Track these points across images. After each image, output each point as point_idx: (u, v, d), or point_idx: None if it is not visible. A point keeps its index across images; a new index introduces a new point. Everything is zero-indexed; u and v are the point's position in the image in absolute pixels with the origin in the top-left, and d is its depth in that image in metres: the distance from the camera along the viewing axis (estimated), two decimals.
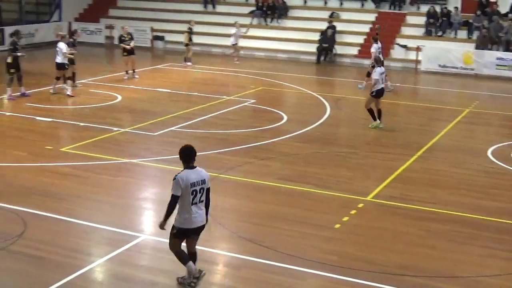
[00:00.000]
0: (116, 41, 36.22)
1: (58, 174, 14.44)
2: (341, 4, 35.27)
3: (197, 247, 9.77)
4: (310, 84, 26.01)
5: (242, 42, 33.61)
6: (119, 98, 22.29)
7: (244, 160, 15.68)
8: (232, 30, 31.73)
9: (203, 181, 9.28)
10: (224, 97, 22.89)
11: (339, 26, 33.06)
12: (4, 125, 18.79)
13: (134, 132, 18.03)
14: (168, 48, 35.66)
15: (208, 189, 9.40)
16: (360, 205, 13.01)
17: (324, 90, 25.08)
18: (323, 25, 32.99)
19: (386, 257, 10.83)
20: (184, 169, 9.28)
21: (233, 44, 31.83)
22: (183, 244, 9.60)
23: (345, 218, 12.32)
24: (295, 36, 33.57)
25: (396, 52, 31.91)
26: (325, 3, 35.50)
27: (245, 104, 22.05)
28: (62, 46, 22.46)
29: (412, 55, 31.18)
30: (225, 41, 34.22)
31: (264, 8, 35.58)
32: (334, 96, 23.86)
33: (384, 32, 32.79)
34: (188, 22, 31.28)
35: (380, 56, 20.86)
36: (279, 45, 33.48)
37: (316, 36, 32.43)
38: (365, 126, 19.39)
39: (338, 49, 32.51)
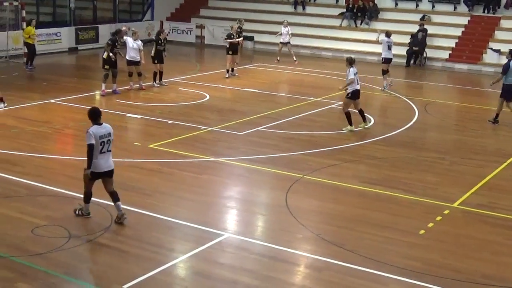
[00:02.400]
0: (206, 41, 36.87)
1: (144, 170, 14.69)
2: (433, 7, 34.63)
3: (275, 246, 10.45)
4: (399, 87, 25.65)
5: (331, 44, 33.53)
6: (207, 97, 22.52)
7: (329, 162, 15.58)
8: (283, 29, 31.75)
9: (109, 134, 11.47)
10: (311, 98, 22.82)
11: (430, 29, 32.46)
12: None
13: (220, 131, 18.17)
14: (257, 48, 35.82)
15: (111, 140, 11.50)
16: (446, 212, 12.73)
17: (413, 94, 24.68)
18: (414, 28, 32.47)
19: (471, 265, 10.56)
20: (93, 125, 11.37)
21: (286, 43, 31.83)
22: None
23: (430, 224, 12.08)
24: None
25: (489, 57, 31.11)
26: (417, 5, 34.95)
27: (332, 106, 21.92)
28: (128, 41, 22.78)
29: (505, 61, 30.24)
30: (313, 42, 34.24)
31: (355, 10, 35.30)
32: (423, 100, 23.45)
33: (476, 36, 32.17)
34: (281, 22, 31.63)
35: (352, 56, 20.01)
36: (369, 47, 33.12)
37: (407, 39, 31.97)
38: (454, 131, 18.99)
39: (429, 53, 31.96)
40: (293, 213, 12.36)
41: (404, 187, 14.00)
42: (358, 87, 18.47)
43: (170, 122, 18.82)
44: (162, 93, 23.05)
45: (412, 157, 16.41)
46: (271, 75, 28.21)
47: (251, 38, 36.04)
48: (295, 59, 31.00)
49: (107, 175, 11.58)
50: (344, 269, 10.23)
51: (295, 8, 37.60)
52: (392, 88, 24.55)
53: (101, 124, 11.47)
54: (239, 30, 27.62)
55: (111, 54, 22.11)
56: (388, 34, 24.84)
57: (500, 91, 20.14)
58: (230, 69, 26.62)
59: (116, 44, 22.34)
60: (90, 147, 11.19)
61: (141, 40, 23.11)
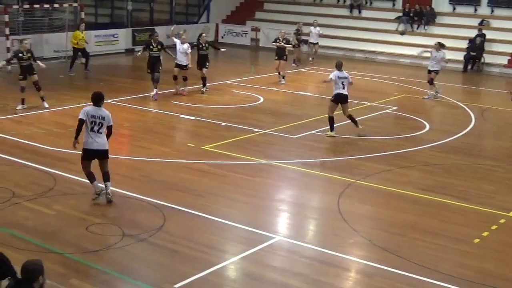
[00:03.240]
0: (261, 44, 36.94)
1: (197, 171, 14.79)
2: (492, 11, 34.07)
3: (326, 250, 10.49)
4: (455, 93, 25.33)
5: (387, 48, 33.30)
6: (261, 99, 22.56)
7: (382, 168, 15.46)
8: (314, 29, 31.69)
9: (103, 118, 12.25)
10: (366, 103, 22.68)
11: (489, 34, 31.93)
12: (151, 121, 19.46)
13: (274, 133, 18.19)
14: (317, 53, 35.68)
15: (109, 126, 12.37)
16: (502, 221, 12.50)
17: (470, 100, 24.33)
18: (472, 33, 31.99)
19: None
20: (91, 106, 12.36)
21: (315, 43, 31.65)
22: None
23: (485, 233, 11.87)
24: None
25: None
26: (475, 10, 34.42)
27: (387, 111, 21.75)
28: (177, 43, 22.69)
29: None
30: (368, 46, 34.05)
31: (411, 14, 34.96)
32: (480, 107, 23.10)
33: None
34: (337, 26, 31.54)
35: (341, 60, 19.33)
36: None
37: (464, 44, 31.54)
38: (511, 139, 18.65)
39: (487, 58, 31.45)
40: (345, 217, 12.30)
41: (459, 195, 13.80)
42: (342, 91, 18.00)
43: (223, 124, 18.91)
44: (216, 95, 23.17)
45: (468, 164, 16.17)
46: (325, 78, 28.04)
47: (306, 41, 35.96)
48: (311, 59, 31.78)
49: (100, 156, 12.42)
50: (396, 276, 10.12)
51: (351, 11, 37.43)
52: (447, 94, 24.21)
53: (99, 107, 12.38)
54: (297, 32, 27.59)
55: (138, 54, 22.22)
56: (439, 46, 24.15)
57: None
58: (278, 73, 26.33)
59: (151, 46, 22.22)
60: (79, 122, 12.26)
61: (188, 43, 22.89)
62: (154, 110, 20.65)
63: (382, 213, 12.80)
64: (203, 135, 17.82)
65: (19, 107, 19.65)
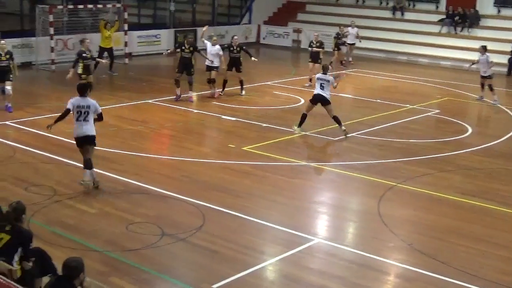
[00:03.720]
0: (303, 45, 36.86)
1: (238, 172, 14.82)
2: None
3: (366, 253, 10.56)
4: (499, 96, 24.97)
5: (429, 51, 33.00)
6: (302, 101, 22.51)
7: (423, 171, 15.32)
8: (351, 30, 31.54)
9: (88, 106, 12.91)
10: (407, 105, 22.51)
11: None
12: (192, 122, 19.56)
13: (314, 135, 18.14)
14: (354, 54, 35.51)
15: (99, 114, 13.24)
16: None
17: None
18: None
19: None
20: (77, 97, 12.99)
21: (352, 44, 31.51)
22: None
23: None
24: None
25: None
26: None
27: (429, 114, 21.55)
28: (208, 45, 22.46)
29: None
30: (411, 49, 33.77)
31: (455, 17, 34.58)
32: None
33: None
34: (380, 28, 31.31)
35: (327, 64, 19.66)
36: (468, 55, 32.34)
37: (508, 47, 31.08)
38: None
39: None
40: (385, 221, 12.22)
41: (501, 200, 13.61)
42: (319, 92, 18.10)
43: (264, 125, 18.92)
44: (257, 97, 23.20)
45: (511, 169, 15.94)
46: (367, 81, 27.98)
47: (344, 44, 35.83)
48: (350, 59, 31.68)
49: (86, 143, 13.08)
50: (436, 281, 10.02)
51: (393, 13, 37.17)
52: (490, 97, 23.88)
53: (84, 97, 13.01)
54: (337, 36, 27.49)
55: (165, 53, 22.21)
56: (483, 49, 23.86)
57: None
58: (309, 78, 25.54)
59: (182, 47, 22.00)
60: (65, 110, 13.04)
61: (219, 45, 22.60)
62: (195, 111, 20.74)
63: (423, 217, 12.69)
64: (243, 136, 17.85)
65: None
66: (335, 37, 30.71)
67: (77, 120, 12.96)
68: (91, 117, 13.05)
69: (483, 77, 23.56)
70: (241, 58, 23.20)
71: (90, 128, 13.07)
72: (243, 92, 23.35)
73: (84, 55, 19.85)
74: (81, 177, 13.14)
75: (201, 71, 22.89)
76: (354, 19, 36.03)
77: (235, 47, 23.19)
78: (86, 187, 13.03)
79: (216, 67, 22.48)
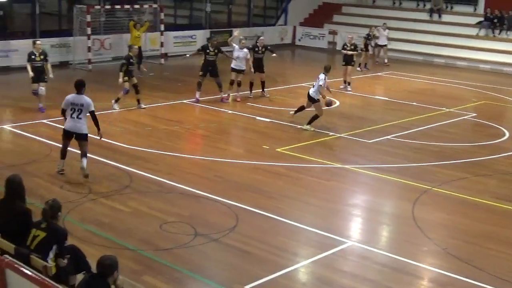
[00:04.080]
0: (338, 47, 36.68)
1: (271, 173, 14.81)
2: None
3: (399, 257, 10.59)
4: None
5: (467, 53, 32.68)
6: (337, 103, 22.43)
7: (459, 175, 15.17)
8: (383, 32, 31.49)
9: (82, 105, 13.41)
10: (444, 108, 22.31)
11: None
12: (226, 122, 19.62)
13: (349, 138, 18.08)
14: (391, 56, 35.30)
15: (91, 112, 13.56)
16: None
17: None
18: None
19: None
20: (74, 93, 13.60)
21: (383, 45, 31.48)
22: None
23: None
24: None
25: None
26: None
27: (465, 117, 21.34)
28: (235, 48, 22.32)
29: None
30: (448, 51, 33.47)
31: (493, 19, 34.20)
32: None
33: None
34: (416, 30, 31.12)
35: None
36: (507, 58, 32.05)
37: None
38: None
39: None
40: (419, 225, 12.12)
41: None
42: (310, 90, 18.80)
43: (299, 127, 18.89)
44: (291, 98, 23.15)
45: None
46: (403, 83, 27.79)
47: (383, 46, 35.61)
48: (386, 60, 31.64)
49: (78, 138, 13.64)
50: (470, 286, 9.93)
51: (430, 16, 36.88)
52: None
53: (80, 94, 13.57)
54: (367, 37, 27.39)
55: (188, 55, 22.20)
56: None
57: None
58: (343, 81, 25.46)
59: (207, 50, 21.95)
60: (62, 110, 13.82)
61: (247, 48, 22.41)
62: (230, 112, 20.78)
63: (457, 221, 12.57)
64: (277, 137, 17.84)
65: (116, 106, 19.94)
66: (364, 37, 30.55)
67: (70, 116, 13.54)
68: (84, 115, 13.54)
69: None
70: (263, 60, 23.08)
71: (82, 126, 13.58)
72: (267, 93, 23.29)
73: (131, 60, 19.93)
74: (116, 176, 13.25)
75: (223, 72, 22.78)
76: (391, 21, 35.92)
77: (260, 48, 23.08)
78: (84, 173, 13.62)
79: (242, 70, 22.36)
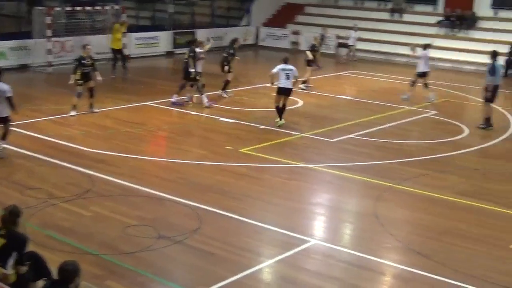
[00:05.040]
0: (301, 47, 36.81)
1: (234, 173, 14.82)
2: None
3: (363, 254, 10.72)
4: (499, 98, 24.96)
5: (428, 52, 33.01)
6: (300, 103, 22.52)
7: (420, 172, 15.33)
8: (354, 33, 32.21)
9: (4, 92, 14.60)
10: (405, 107, 22.52)
11: None
12: (189, 124, 19.56)
13: (312, 137, 18.15)
14: (352, 55, 35.57)
15: (7, 98, 14.69)
16: None
17: (510, 105, 23.97)
18: None
19: None
20: None
21: (350, 46, 32.34)
22: None
23: None
24: (483, 48, 32.31)
25: None
26: None
27: (426, 115, 21.56)
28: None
29: None
30: (409, 51, 33.69)
31: (452, 18, 34.60)
32: None
33: None
34: (378, 30, 31.55)
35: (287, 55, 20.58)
36: (466, 56, 32.43)
37: (506, 49, 31.05)
38: None
39: None
40: (382, 222, 12.22)
41: (497, 200, 13.61)
42: (285, 85, 18.73)
43: (262, 127, 18.92)
44: (255, 98, 23.20)
45: (506, 169, 15.96)
46: (365, 82, 27.99)
47: (345, 45, 35.83)
48: (355, 59, 32.54)
49: (1, 121, 15.00)
50: (432, 281, 10.03)
51: (392, 15, 37.20)
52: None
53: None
54: (322, 37, 27.74)
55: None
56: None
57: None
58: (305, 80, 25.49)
59: (190, 54, 21.34)
60: None
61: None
62: (194, 113, 20.72)
63: (419, 217, 12.70)
64: (241, 138, 17.85)
65: (73, 113, 19.34)
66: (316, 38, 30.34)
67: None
68: (2, 101, 14.70)
69: None
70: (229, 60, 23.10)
71: (3, 110, 14.85)
72: (226, 94, 23.34)
73: (83, 61, 19.27)
74: (77, 180, 13.14)
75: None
76: (353, 20, 36.15)
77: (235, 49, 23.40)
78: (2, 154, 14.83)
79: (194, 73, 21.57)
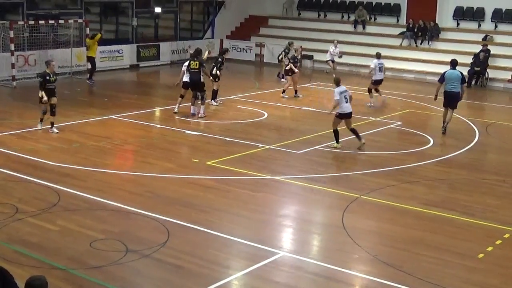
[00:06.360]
0: (265, 59, 36.94)
1: (202, 186, 14.79)
2: (496, 27, 34.12)
3: (331, 266, 10.71)
4: (460, 108, 25.13)
5: (391, 64, 33.31)
6: (266, 115, 22.58)
7: (387, 183, 15.44)
8: (331, 48, 32.44)
9: None
10: (370, 118, 22.69)
11: (493, 50, 32.00)
12: (156, 137, 19.48)
13: (278, 149, 18.19)
14: (316, 67, 35.79)
15: None
16: (506, 236, 12.44)
17: (474, 115, 24.32)
18: (476, 48, 31.99)
19: None
20: None
21: (331, 61, 32.51)
22: None
23: (490, 248, 11.83)
24: (446, 59, 32.66)
25: None
26: (479, 25, 34.49)
27: (391, 126, 21.75)
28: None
29: None
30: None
31: (415, 30, 35.02)
32: (484, 122, 23.09)
33: None
34: (341, 42, 31.85)
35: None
36: (429, 67, 32.81)
37: (468, 59, 31.50)
38: None
39: (490, 73, 31.43)
40: (349, 233, 12.27)
41: (463, 210, 13.77)
42: (346, 109, 18.26)
43: (228, 139, 18.92)
44: (221, 111, 23.21)
45: (472, 179, 16.15)
46: (329, 94, 28.05)
47: (310, 57, 36.04)
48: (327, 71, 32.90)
49: None
50: None
51: (355, 27, 37.51)
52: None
53: None
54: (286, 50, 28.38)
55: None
56: (378, 55, 25.18)
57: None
58: (295, 90, 26.50)
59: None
60: None
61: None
62: (159, 126, 20.68)
63: (386, 228, 12.78)
64: (207, 150, 17.83)
65: (39, 126, 19.17)
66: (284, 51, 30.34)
67: None
68: None
69: None
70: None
71: None
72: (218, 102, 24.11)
73: (48, 78, 18.76)
74: (43, 194, 13.00)
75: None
76: (316, 32, 36.45)
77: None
78: None
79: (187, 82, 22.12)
